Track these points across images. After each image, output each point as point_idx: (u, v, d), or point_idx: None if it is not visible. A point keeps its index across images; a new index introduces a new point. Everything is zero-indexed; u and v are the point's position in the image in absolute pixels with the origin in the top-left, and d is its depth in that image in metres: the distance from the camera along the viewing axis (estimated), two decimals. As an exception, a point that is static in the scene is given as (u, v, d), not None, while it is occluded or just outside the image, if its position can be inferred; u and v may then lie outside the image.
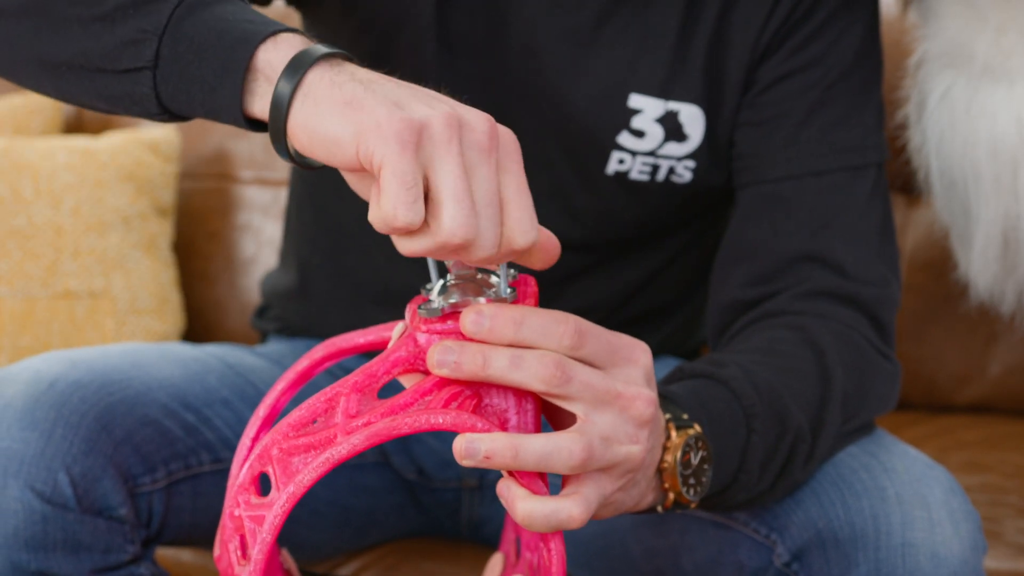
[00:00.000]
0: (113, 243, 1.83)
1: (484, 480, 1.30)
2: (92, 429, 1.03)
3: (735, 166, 1.17)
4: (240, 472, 0.85)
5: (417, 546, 1.36)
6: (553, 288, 1.25)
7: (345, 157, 0.80)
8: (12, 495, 0.99)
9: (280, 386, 0.93)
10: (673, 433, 0.91)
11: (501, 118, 1.17)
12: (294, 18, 1.27)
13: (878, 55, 1.19)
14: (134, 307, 1.84)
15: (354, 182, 0.84)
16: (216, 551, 0.86)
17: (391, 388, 0.86)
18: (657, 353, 1.32)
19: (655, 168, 1.18)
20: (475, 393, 0.83)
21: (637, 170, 1.18)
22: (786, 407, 0.99)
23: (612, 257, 1.26)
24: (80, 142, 1.87)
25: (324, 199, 1.29)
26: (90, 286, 1.82)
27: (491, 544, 1.32)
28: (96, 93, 0.92)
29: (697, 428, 0.92)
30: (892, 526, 1.00)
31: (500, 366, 0.81)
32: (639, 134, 1.16)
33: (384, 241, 1.13)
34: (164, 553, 1.40)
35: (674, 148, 1.17)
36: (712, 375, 0.99)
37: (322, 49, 0.83)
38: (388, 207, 0.78)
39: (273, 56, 0.84)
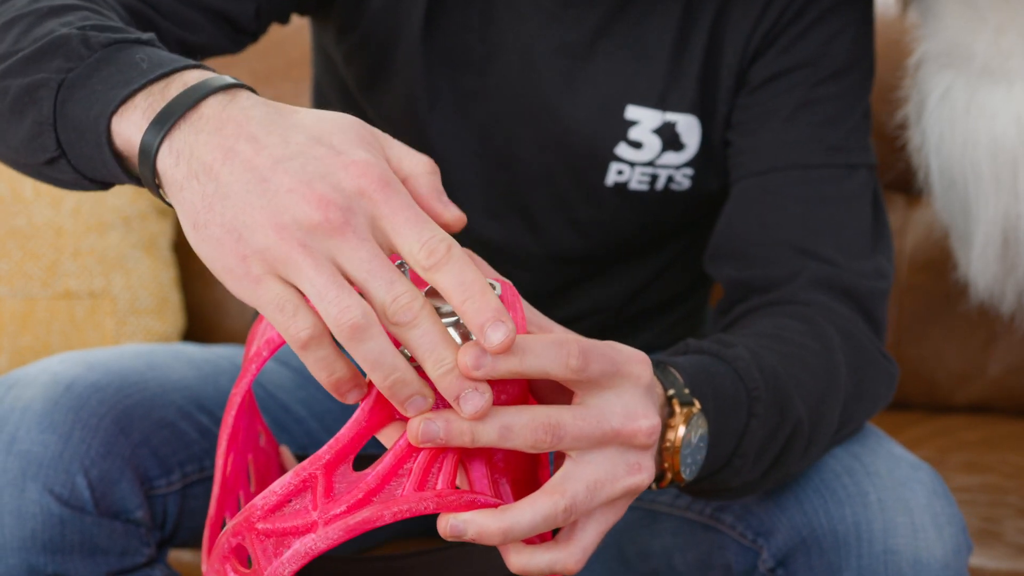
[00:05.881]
0: (113, 243, 1.83)
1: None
2: (110, 432, 1.03)
3: (729, 164, 1.18)
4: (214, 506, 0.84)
5: (417, 545, 1.36)
6: (557, 294, 1.25)
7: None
8: (31, 498, 0.99)
9: (247, 379, 0.91)
10: (677, 409, 0.89)
11: (500, 132, 1.18)
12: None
13: (868, 64, 1.19)
14: (134, 307, 1.84)
15: None
16: None
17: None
18: (660, 347, 1.32)
19: (654, 178, 1.18)
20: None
21: (636, 180, 1.18)
22: (789, 396, 0.99)
23: (615, 263, 1.26)
24: (80, 142, 1.87)
25: None
26: (90, 286, 1.82)
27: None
28: (56, 183, 0.91)
29: (698, 405, 0.91)
30: (874, 533, 0.99)
31: (489, 438, 0.77)
32: (637, 145, 1.17)
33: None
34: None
35: (672, 158, 1.17)
36: (718, 354, 0.97)
37: (163, 125, 0.79)
38: (282, 334, 0.76)
39: (127, 133, 0.81)
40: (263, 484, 0.96)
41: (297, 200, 0.74)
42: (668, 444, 0.89)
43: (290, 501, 0.79)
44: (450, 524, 0.77)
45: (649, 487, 0.91)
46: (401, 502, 0.77)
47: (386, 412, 0.80)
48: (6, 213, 1.81)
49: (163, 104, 0.79)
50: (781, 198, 1.14)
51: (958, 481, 1.56)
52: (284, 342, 0.86)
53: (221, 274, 0.76)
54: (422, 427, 0.76)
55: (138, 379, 1.08)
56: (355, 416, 0.80)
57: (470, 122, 1.18)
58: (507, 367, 0.76)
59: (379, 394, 0.79)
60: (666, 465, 0.90)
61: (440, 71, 1.17)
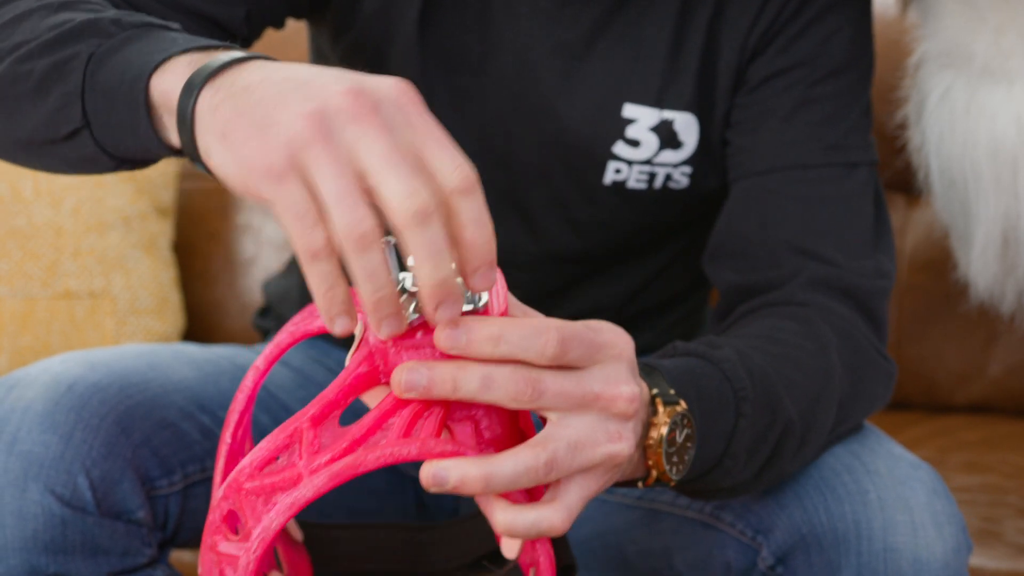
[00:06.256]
0: (113, 243, 1.83)
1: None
2: (111, 432, 1.02)
3: (728, 163, 1.18)
4: (214, 495, 0.84)
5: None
6: (555, 295, 1.25)
7: (246, 194, 0.77)
8: (32, 498, 0.99)
9: (251, 376, 0.91)
10: (660, 408, 0.89)
11: (497, 132, 1.18)
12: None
13: (868, 61, 1.19)
14: (134, 307, 1.84)
15: None
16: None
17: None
18: (660, 347, 1.32)
19: (652, 176, 1.18)
20: (442, 405, 0.80)
21: (634, 179, 1.18)
22: (778, 396, 0.99)
23: (614, 263, 1.26)
24: (80, 142, 1.87)
25: None
26: (90, 286, 1.82)
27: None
28: (62, 162, 0.92)
29: (683, 405, 0.91)
30: (874, 531, 0.99)
31: (471, 389, 0.78)
32: (634, 143, 1.17)
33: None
34: (164, 553, 1.40)
35: (670, 156, 1.17)
36: (705, 355, 0.97)
37: (209, 67, 0.80)
38: (294, 241, 0.75)
39: (166, 86, 0.82)
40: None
41: (331, 90, 0.74)
42: (651, 442, 0.89)
43: (277, 458, 0.80)
44: (432, 472, 0.78)
45: (636, 485, 0.92)
46: (384, 447, 0.78)
47: (373, 376, 0.81)
48: (6, 213, 1.81)
49: (207, 61, 0.81)
50: (781, 198, 1.14)
51: (958, 481, 1.56)
52: (279, 356, 0.88)
53: (242, 177, 0.76)
54: (405, 376, 0.78)
55: (139, 379, 1.08)
56: (342, 374, 0.81)
57: (467, 122, 1.18)
58: (482, 351, 0.78)
59: (369, 354, 0.80)
60: (650, 463, 0.90)
61: (436, 72, 1.17)
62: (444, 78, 1.17)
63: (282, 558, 0.99)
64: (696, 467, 0.94)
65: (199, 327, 1.94)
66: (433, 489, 0.78)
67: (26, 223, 1.81)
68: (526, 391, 0.79)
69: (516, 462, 0.79)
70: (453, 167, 0.75)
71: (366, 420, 0.80)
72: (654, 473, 0.90)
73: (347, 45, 1.19)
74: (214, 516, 0.81)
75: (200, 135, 0.79)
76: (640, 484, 0.92)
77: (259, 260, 1.94)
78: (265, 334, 1.41)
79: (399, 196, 0.73)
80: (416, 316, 0.80)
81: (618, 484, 0.91)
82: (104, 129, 0.87)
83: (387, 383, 0.81)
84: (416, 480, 1.29)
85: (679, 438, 0.90)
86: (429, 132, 0.75)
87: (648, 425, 0.89)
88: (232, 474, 0.80)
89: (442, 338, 0.78)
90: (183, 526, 1.09)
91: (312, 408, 0.80)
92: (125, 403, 1.04)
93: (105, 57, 0.86)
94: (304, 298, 1.35)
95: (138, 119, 0.84)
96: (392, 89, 0.75)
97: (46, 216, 1.81)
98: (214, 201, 1.97)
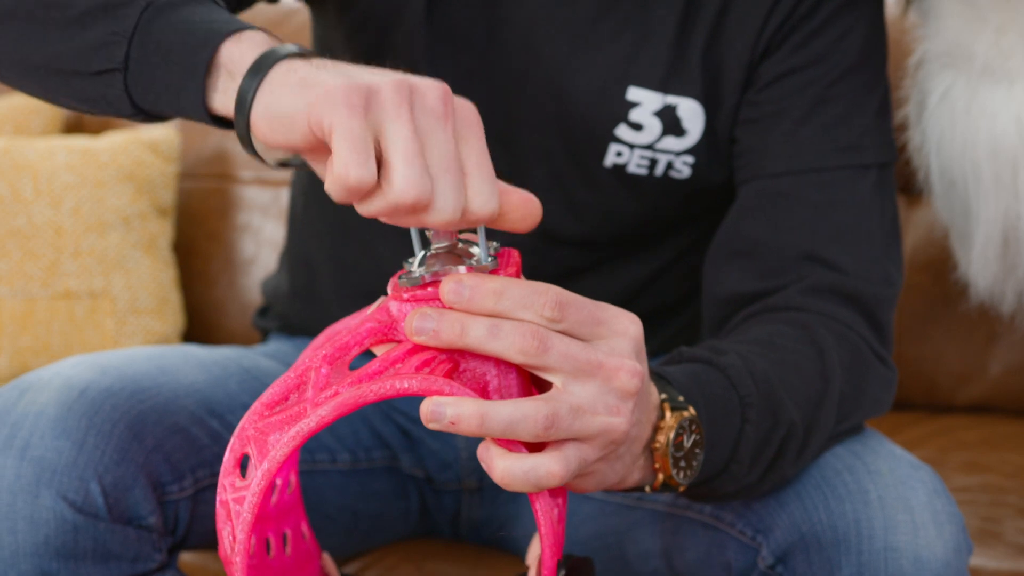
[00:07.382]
0: (113, 243, 1.83)
1: (483, 482, 1.30)
2: (124, 438, 1.02)
3: (736, 163, 1.17)
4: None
5: (417, 546, 1.36)
6: (556, 284, 1.25)
7: (300, 131, 0.80)
8: (44, 504, 0.99)
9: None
10: (668, 413, 0.90)
11: (500, 111, 1.18)
12: (304, 13, 1.27)
13: (882, 56, 1.19)
14: (134, 307, 1.84)
15: (319, 168, 0.84)
16: (219, 542, 0.86)
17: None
18: (662, 352, 1.32)
19: (653, 162, 1.18)
20: (451, 358, 0.82)
21: (635, 163, 1.18)
22: (780, 400, 0.99)
23: (615, 255, 1.26)
24: (80, 142, 1.87)
25: (326, 194, 1.30)
26: (90, 286, 1.82)
27: (490, 544, 1.32)
28: (74, 95, 0.94)
29: (692, 411, 0.91)
30: (874, 530, 0.99)
31: (478, 335, 0.80)
32: (637, 127, 1.17)
33: (388, 235, 1.14)
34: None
35: (672, 143, 1.17)
36: (711, 361, 0.98)
37: (289, 48, 0.84)
38: (339, 167, 0.77)
39: (235, 52, 0.85)
40: (298, 566, 0.98)
41: (424, 80, 0.80)
42: (658, 445, 0.90)
43: (289, 397, 0.82)
44: (431, 407, 0.80)
45: (643, 490, 0.92)
46: (387, 381, 0.80)
47: (385, 330, 0.83)
48: (6, 213, 1.81)
49: (282, 44, 0.85)
50: (793, 202, 1.13)
51: (958, 481, 1.56)
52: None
53: (309, 108, 0.79)
54: (416, 320, 0.80)
55: (151, 384, 1.08)
56: (357, 324, 0.83)
57: (471, 100, 1.18)
58: (483, 305, 0.80)
59: (384, 308, 0.83)
60: (657, 466, 0.91)
61: (442, 50, 1.17)
62: (450, 56, 1.17)
63: None
64: (703, 472, 0.94)
65: (199, 327, 1.94)
66: (431, 425, 0.80)
67: (26, 223, 1.81)
68: (532, 343, 0.80)
69: (515, 408, 0.80)
70: (486, 198, 0.80)
71: (374, 363, 0.82)
72: (660, 477, 0.91)
73: (352, 21, 1.19)
74: (226, 463, 0.82)
75: (267, 91, 0.82)
76: (647, 488, 0.92)
77: (259, 260, 1.94)
78: (265, 334, 1.41)
79: (483, 200, 0.80)
80: (429, 273, 0.82)
81: (626, 490, 0.92)
82: (142, 77, 0.89)
83: (396, 340, 0.83)
84: (419, 482, 1.29)
85: (687, 443, 0.91)
86: (482, 156, 0.80)
87: (656, 429, 0.90)
88: (244, 418, 0.82)
89: (446, 291, 0.81)
90: (193, 530, 1.09)
91: (324, 349, 0.82)
92: (137, 408, 1.04)
93: (165, 9, 0.89)
94: (292, 293, 1.35)
95: (190, 79, 0.86)
96: (470, 110, 0.82)
97: (46, 216, 1.81)
98: (214, 201, 1.96)
